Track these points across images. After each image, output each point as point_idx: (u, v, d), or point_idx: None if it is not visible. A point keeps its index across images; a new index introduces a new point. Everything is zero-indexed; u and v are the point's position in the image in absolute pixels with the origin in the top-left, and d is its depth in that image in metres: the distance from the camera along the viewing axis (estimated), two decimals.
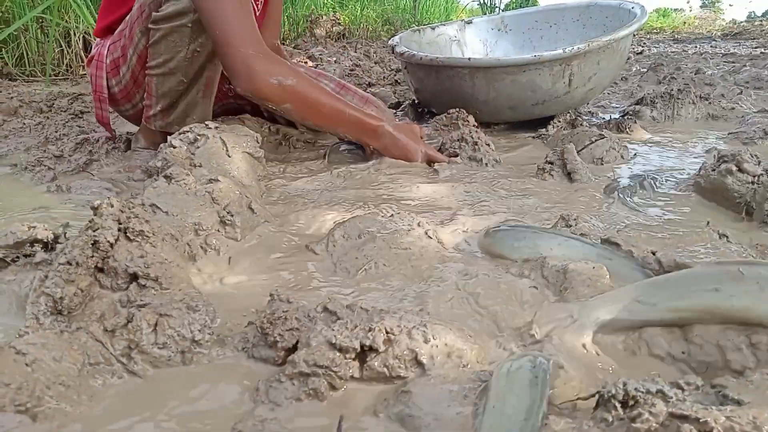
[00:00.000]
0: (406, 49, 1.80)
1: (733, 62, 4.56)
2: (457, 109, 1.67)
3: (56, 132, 1.84)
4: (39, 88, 2.54)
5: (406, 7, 10.12)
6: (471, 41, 2.32)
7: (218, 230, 0.89)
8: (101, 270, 0.71)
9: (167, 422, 0.50)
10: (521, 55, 2.25)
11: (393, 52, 1.91)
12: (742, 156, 1.05)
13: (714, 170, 1.09)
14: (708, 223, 0.84)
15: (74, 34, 2.84)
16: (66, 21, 2.82)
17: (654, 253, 0.77)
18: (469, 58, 1.64)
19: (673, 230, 0.82)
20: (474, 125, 1.61)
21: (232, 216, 0.93)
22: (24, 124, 1.98)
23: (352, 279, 0.78)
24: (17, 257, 0.78)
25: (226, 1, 1.17)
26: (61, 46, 2.86)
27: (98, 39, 1.52)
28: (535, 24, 2.27)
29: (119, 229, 0.73)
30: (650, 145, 1.62)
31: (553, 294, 0.73)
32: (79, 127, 1.92)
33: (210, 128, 1.14)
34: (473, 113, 1.70)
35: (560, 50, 1.58)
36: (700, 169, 1.13)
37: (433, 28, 2.27)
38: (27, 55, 2.83)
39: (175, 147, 1.10)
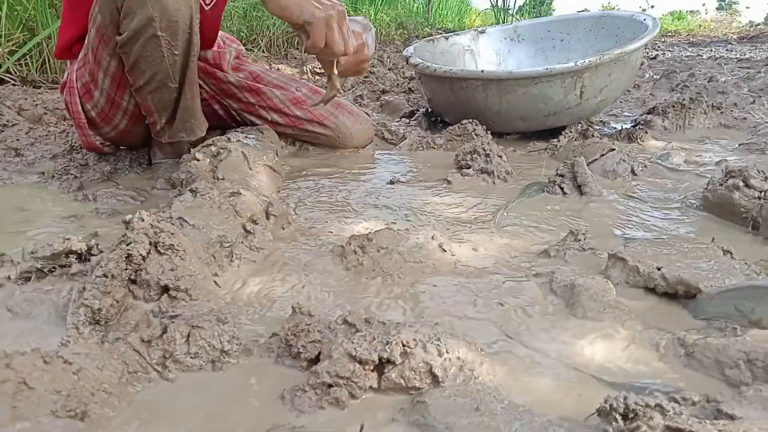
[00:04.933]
0: (421, 61, 1.84)
1: (748, 68, 4.56)
2: (471, 120, 1.71)
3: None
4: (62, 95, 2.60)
5: (419, 10, 10.17)
6: (484, 51, 2.36)
7: (242, 242, 0.94)
8: (134, 282, 0.76)
9: (202, 427, 0.54)
10: (534, 64, 2.28)
11: (407, 63, 1.95)
12: (749, 172, 1.08)
13: (721, 185, 1.12)
14: (713, 239, 0.87)
15: None
16: None
17: (659, 269, 0.81)
18: (482, 71, 1.67)
19: (679, 246, 0.85)
20: (487, 137, 1.65)
21: (255, 226, 0.97)
22: (49, 131, 2.04)
23: (369, 292, 0.82)
24: (54, 267, 0.83)
25: None
26: None
27: (68, 63, 1.49)
28: (548, 34, 2.30)
29: (150, 243, 0.78)
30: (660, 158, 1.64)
31: (565, 306, 0.77)
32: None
33: (232, 141, 1.19)
34: (485, 123, 1.73)
35: (572, 63, 1.61)
36: (708, 183, 1.16)
37: (447, 38, 2.31)
38: (49, 61, 2.90)
39: (198, 160, 1.15)
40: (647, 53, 5.85)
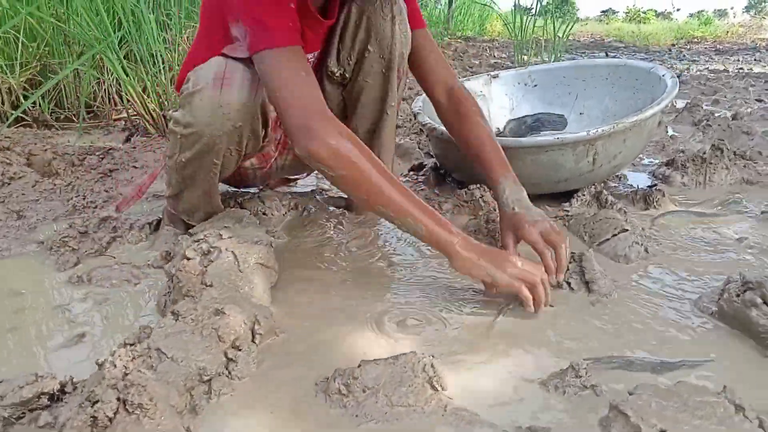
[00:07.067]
0: (429, 121, 1.78)
1: None
2: (479, 186, 1.65)
3: (84, 199, 1.88)
4: (72, 138, 2.61)
5: (439, 19, 10.08)
6: (497, 96, 2.29)
7: (222, 372, 0.90)
8: None
9: None
10: (548, 109, 2.22)
11: (415, 119, 1.90)
12: (767, 287, 1.00)
13: (738, 296, 1.04)
14: (724, 387, 0.80)
15: (105, 84, 2.89)
16: (99, 71, 2.88)
17: None
18: None
19: (687, 397, 0.79)
20: (493, 208, 1.59)
21: (237, 353, 0.93)
22: (55, 185, 2.03)
23: None
24: (23, 414, 0.80)
25: (282, 67, 1.13)
26: (95, 90, 2.92)
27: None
28: (563, 80, 2.23)
29: (118, 399, 0.74)
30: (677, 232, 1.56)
31: None
32: (107, 191, 1.96)
33: (223, 239, 1.15)
34: None
35: (584, 132, 1.54)
36: (723, 291, 1.08)
37: None
38: (66, 98, 2.91)
39: (189, 259, 1.11)
40: (674, 68, 5.67)
